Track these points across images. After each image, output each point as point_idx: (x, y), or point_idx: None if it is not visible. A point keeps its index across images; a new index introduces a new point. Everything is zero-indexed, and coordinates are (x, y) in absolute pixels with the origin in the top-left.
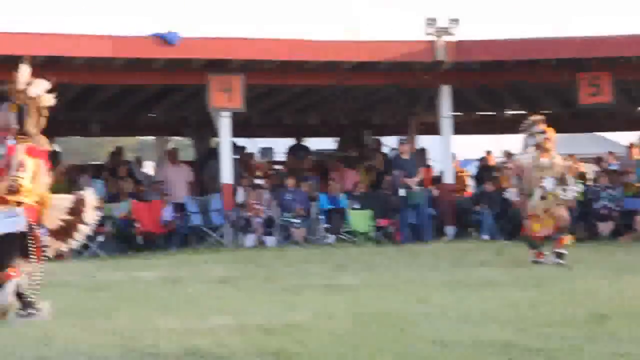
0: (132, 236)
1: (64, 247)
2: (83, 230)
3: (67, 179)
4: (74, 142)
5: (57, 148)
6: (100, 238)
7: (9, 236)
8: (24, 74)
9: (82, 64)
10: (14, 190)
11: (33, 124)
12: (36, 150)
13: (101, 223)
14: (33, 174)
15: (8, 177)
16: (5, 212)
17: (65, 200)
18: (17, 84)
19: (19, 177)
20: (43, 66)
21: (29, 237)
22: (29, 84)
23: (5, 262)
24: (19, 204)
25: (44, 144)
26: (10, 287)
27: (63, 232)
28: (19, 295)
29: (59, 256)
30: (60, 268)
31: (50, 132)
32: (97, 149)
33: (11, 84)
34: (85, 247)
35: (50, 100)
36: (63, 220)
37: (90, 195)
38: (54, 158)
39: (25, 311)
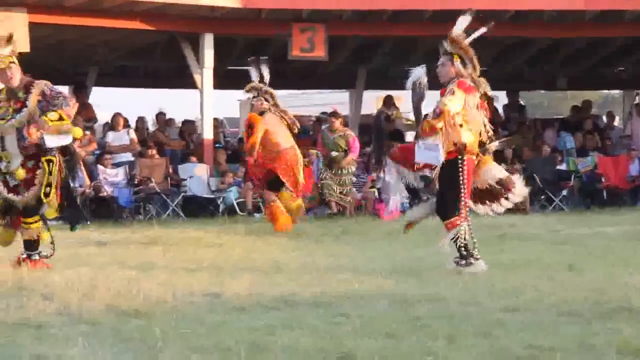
0: (596, 191)
1: (482, 210)
2: (504, 205)
3: (533, 133)
4: (537, 96)
5: (521, 102)
6: (564, 192)
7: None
8: (462, 25)
9: (552, 18)
10: (438, 112)
11: (470, 69)
12: (466, 85)
13: (566, 177)
14: (462, 106)
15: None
16: (427, 142)
17: (499, 172)
18: (455, 34)
19: (446, 101)
20: (512, 21)
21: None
22: (462, 35)
23: (450, 207)
24: (460, 156)
25: (483, 85)
26: (450, 235)
27: (486, 196)
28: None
29: (522, 210)
30: (522, 221)
31: (514, 87)
32: (559, 102)
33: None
34: (549, 201)
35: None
36: (490, 186)
37: (521, 184)
38: (520, 111)
39: (463, 260)
